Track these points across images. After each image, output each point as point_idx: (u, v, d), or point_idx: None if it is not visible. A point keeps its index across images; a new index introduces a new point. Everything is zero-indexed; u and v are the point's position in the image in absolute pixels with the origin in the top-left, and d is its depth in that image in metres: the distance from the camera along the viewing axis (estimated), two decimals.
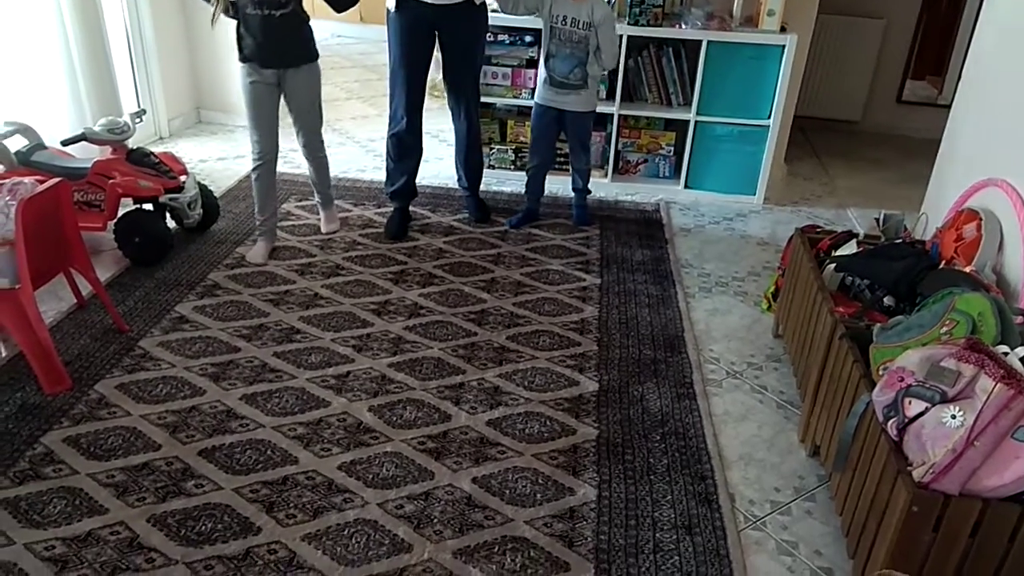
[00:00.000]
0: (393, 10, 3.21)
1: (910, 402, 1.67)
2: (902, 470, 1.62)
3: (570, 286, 3.17)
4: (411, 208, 3.67)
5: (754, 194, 4.08)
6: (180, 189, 3.23)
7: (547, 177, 3.73)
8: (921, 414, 1.64)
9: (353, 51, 6.93)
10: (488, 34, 3.89)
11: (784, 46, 3.75)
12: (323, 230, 3.51)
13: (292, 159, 4.30)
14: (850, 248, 2.59)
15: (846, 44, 5.15)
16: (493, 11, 3.47)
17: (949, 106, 2.97)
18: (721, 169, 4.07)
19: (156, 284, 3.03)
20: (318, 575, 1.81)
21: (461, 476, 2.13)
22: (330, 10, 3.05)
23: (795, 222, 3.77)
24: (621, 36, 3.86)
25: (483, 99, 4.05)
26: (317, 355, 2.62)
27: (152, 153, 3.26)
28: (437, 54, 3.40)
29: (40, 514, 1.93)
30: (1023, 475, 1.51)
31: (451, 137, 3.69)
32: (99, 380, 2.45)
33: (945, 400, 1.62)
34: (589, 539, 1.95)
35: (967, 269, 2.22)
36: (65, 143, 3.17)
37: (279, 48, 2.98)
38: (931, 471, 1.56)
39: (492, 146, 4.20)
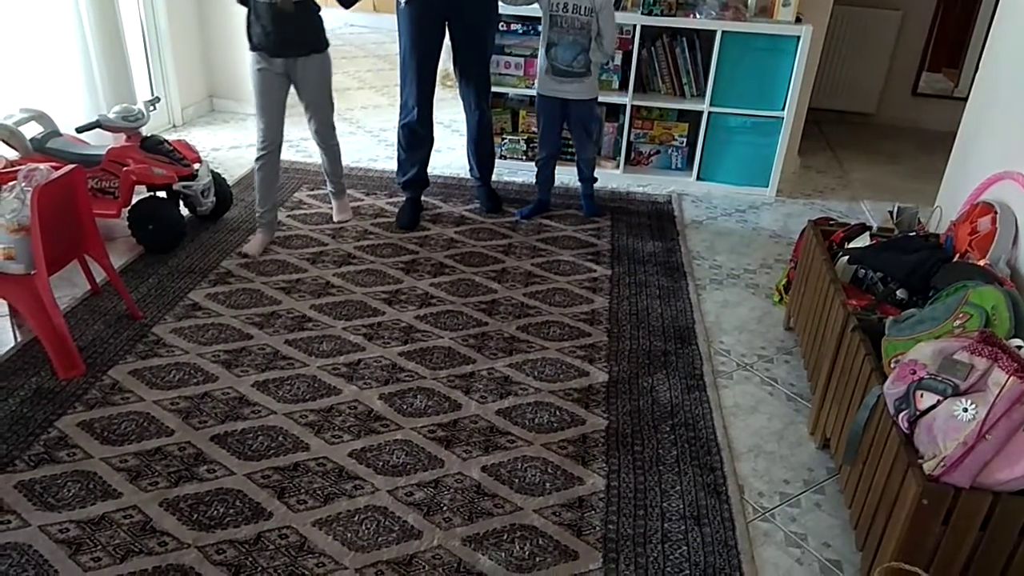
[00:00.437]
0: (404, 1, 3.20)
1: (922, 395, 1.66)
2: (913, 463, 1.61)
3: (581, 277, 3.17)
4: (423, 198, 3.68)
5: (767, 186, 4.06)
6: (193, 177, 3.25)
7: (558, 168, 3.72)
8: (933, 407, 1.63)
9: (366, 40, 6.93)
10: (500, 23, 3.89)
11: (799, 37, 3.71)
12: (335, 219, 3.52)
13: (304, 148, 4.32)
14: (863, 241, 2.58)
15: (862, 35, 5.11)
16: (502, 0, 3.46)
17: (965, 99, 2.94)
18: (734, 161, 4.05)
19: (169, 271, 3.05)
20: (329, 560, 1.82)
21: (471, 464, 2.14)
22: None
23: (808, 215, 3.75)
24: (635, 26, 3.85)
25: (495, 89, 4.05)
26: (328, 343, 2.63)
27: (166, 141, 3.28)
28: (448, 44, 3.39)
29: (55, 497, 1.95)
30: None
31: (463, 127, 3.69)
32: (113, 366, 2.47)
33: (957, 393, 1.61)
34: (598, 528, 1.95)
35: (981, 262, 2.20)
36: (80, 130, 3.19)
37: (288, 38, 2.97)
38: (942, 464, 1.56)
39: (504, 136, 4.20)
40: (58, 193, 2.37)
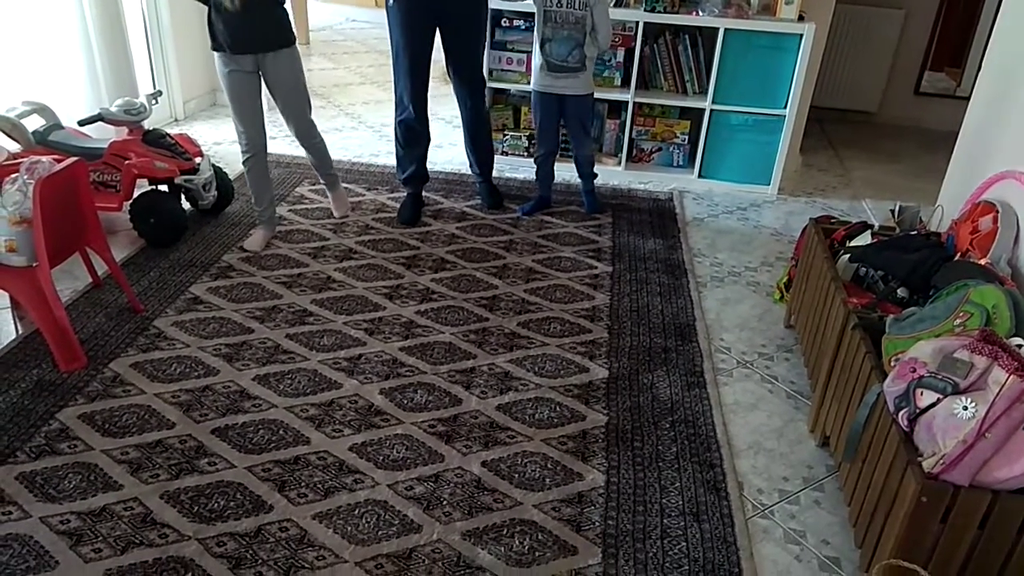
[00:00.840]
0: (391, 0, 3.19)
1: (922, 393, 1.66)
2: (912, 460, 1.62)
3: (581, 273, 3.17)
4: (424, 193, 3.68)
5: (768, 184, 4.06)
6: (195, 171, 3.25)
7: (559, 164, 3.72)
8: (933, 405, 1.63)
9: (368, 35, 6.93)
10: (503, 20, 3.89)
11: (802, 35, 3.71)
12: (335, 214, 3.50)
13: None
14: (865, 239, 2.58)
15: (864, 34, 5.10)
16: None
17: (967, 99, 2.94)
18: (736, 159, 4.05)
19: (170, 265, 3.05)
20: (329, 553, 1.83)
21: (471, 459, 2.14)
22: None
23: (809, 213, 3.75)
24: (637, 23, 3.85)
25: (497, 85, 4.07)
26: (329, 337, 2.64)
27: (168, 134, 3.28)
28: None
29: (56, 488, 1.96)
30: None
31: None
32: (114, 359, 2.47)
33: (957, 391, 1.61)
34: (597, 524, 1.96)
35: (982, 262, 2.20)
36: (82, 123, 3.19)
37: (252, 32, 2.86)
38: (941, 462, 1.56)
39: (506, 132, 4.20)
40: (60, 186, 2.38)
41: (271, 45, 2.93)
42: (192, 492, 1.98)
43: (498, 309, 2.87)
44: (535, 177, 3.73)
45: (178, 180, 3.20)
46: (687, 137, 4.17)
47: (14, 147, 3.04)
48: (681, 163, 4.22)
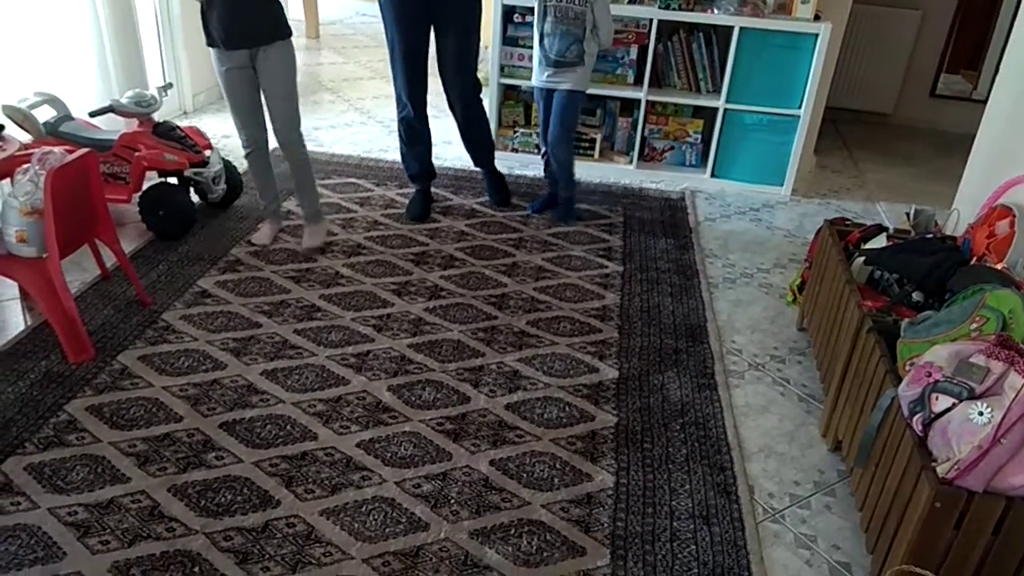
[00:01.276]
0: None
1: (937, 398, 1.64)
2: (926, 466, 1.60)
3: (592, 272, 3.15)
4: (433, 190, 3.66)
5: (782, 185, 4.03)
6: (205, 164, 3.24)
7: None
8: (948, 410, 1.61)
9: (378, 30, 6.85)
10: (514, 15, 3.87)
11: (818, 35, 3.68)
12: (303, 245, 3.14)
13: (315, 137, 4.30)
14: (880, 242, 2.55)
15: (880, 35, 5.06)
16: None
17: (984, 101, 2.91)
18: (749, 159, 4.02)
19: (179, 258, 3.05)
20: (336, 549, 1.82)
21: (479, 458, 2.13)
22: None
23: (823, 215, 3.72)
24: (651, 20, 3.83)
25: (508, 81, 4.05)
26: (337, 333, 2.63)
27: (178, 127, 3.28)
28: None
29: (64, 480, 1.95)
30: None
31: None
32: (122, 351, 2.47)
33: (973, 396, 1.59)
34: (606, 525, 1.94)
35: (999, 266, 2.18)
36: (93, 114, 3.19)
37: (246, 26, 2.79)
38: (956, 467, 1.54)
39: (516, 129, 4.18)
40: (71, 177, 2.37)
41: (264, 38, 2.85)
42: (199, 486, 1.97)
43: (507, 307, 2.86)
44: (543, 174, 3.71)
45: (187, 173, 3.19)
46: (700, 136, 4.14)
47: (25, 138, 3.04)
48: (694, 162, 4.19)
